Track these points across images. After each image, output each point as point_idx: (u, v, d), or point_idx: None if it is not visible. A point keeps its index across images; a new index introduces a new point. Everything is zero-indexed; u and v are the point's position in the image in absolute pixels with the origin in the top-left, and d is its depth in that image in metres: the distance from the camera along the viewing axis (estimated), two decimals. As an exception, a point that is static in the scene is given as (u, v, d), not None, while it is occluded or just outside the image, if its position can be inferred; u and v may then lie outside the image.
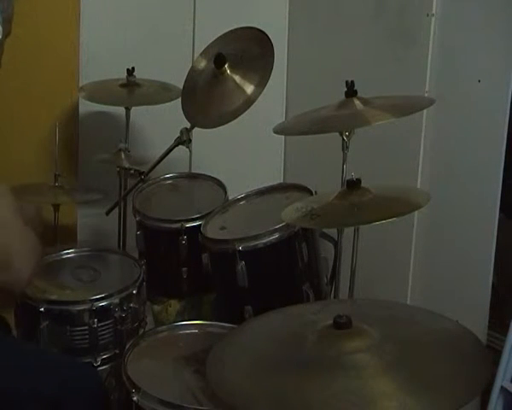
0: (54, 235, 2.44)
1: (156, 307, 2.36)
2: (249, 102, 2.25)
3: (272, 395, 1.22)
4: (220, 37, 2.34)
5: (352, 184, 1.75)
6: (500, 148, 2.14)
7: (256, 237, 1.97)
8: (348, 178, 1.78)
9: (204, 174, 2.51)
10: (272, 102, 2.81)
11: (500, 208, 2.17)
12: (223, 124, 2.30)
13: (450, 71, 2.29)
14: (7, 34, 1.73)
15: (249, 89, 2.26)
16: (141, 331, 2.04)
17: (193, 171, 2.59)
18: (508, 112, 2.11)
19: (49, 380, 1.64)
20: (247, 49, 2.28)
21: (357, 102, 1.87)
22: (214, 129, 2.34)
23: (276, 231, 1.96)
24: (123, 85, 2.57)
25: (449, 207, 2.31)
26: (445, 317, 1.41)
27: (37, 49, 2.63)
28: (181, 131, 2.32)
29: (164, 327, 1.96)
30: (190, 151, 2.42)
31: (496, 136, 2.14)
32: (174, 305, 2.36)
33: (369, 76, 2.29)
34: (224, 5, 2.86)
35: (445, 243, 2.35)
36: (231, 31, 2.33)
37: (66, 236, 2.67)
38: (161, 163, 2.37)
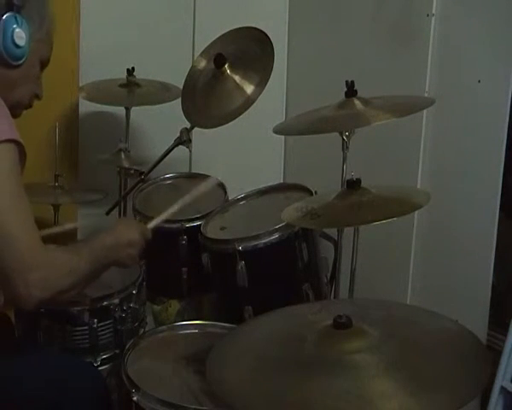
0: (54, 235, 2.43)
1: (156, 307, 2.36)
2: (249, 102, 2.25)
3: (272, 395, 1.22)
4: (220, 37, 2.35)
5: (352, 184, 1.75)
6: (500, 148, 2.14)
7: (256, 237, 1.97)
8: (348, 178, 1.78)
9: (204, 174, 2.51)
10: (272, 102, 2.81)
11: (500, 208, 2.17)
12: (223, 124, 2.30)
13: (450, 71, 2.29)
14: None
15: (249, 89, 2.26)
16: (141, 331, 2.05)
17: (193, 171, 2.59)
18: (508, 112, 2.11)
19: (50, 380, 1.64)
20: (247, 49, 2.28)
21: (357, 102, 1.87)
22: (214, 129, 2.34)
23: (276, 231, 1.96)
24: (123, 85, 2.57)
25: (449, 207, 2.31)
26: (445, 317, 1.41)
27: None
28: (181, 131, 2.32)
29: (164, 327, 1.96)
30: (190, 151, 2.43)
31: (496, 136, 2.14)
32: (174, 305, 2.37)
33: (369, 76, 2.29)
34: (223, 5, 2.86)
35: (445, 243, 2.35)
36: (231, 31, 2.33)
37: (67, 236, 2.66)
38: (161, 163, 2.37)
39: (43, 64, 1.74)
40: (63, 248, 1.70)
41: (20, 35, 1.60)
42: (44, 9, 1.69)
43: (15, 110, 1.68)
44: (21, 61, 1.63)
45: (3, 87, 1.62)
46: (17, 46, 1.60)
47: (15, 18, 1.59)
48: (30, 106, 1.76)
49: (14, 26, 1.59)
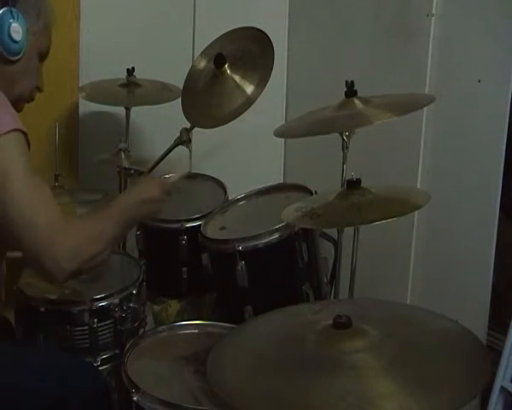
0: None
1: (156, 307, 2.36)
2: (249, 102, 2.25)
3: (272, 395, 1.22)
4: (220, 37, 2.34)
5: (352, 184, 1.75)
6: (500, 148, 2.14)
7: (256, 237, 1.97)
8: (348, 178, 1.78)
9: (204, 174, 2.51)
10: (272, 102, 2.81)
11: (500, 208, 2.17)
12: (223, 124, 2.29)
13: (450, 71, 2.29)
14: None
15: (249, 89, 2.26)
16: (141, 331, 2.04)
17: (193, 171, 2.59)
18: (508, 112, 2.11)
19: (51, 379, 1.64)
20: (247, 49, 2.28)
21: (357, 102, 1.87)
22: (214, 129, 2.34)
23: (276, 231, 1.96)
24: (123, 85, 2.57)
25: (449, 207, 2.31)
26: (445, 317, 1.41)
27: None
28: (181, 131, 2.32)
29: (164, 327, 1.96)
30: (190, 151, 2.42)
31: (496, 136, 2.14)
32: (174, 305, 2.36)
33: (369, 76, 2.29)
34: (223, 5, 2.86)
35: (445, 243, 2.35)
36: (231, 31, 2.32)
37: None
38: (161, 163, 2.37)
39: (43, 56, 1.74)
40: (86, 216, 1.79)
41: (16, 29, 1.59)
42: (40, 1, 1.68)
43: (17, 104, 1.68)
44: (19, 56, 1.63)
45: (4, 82, 1.63)
46: (14, 41, 1.59)
47: (11, 12, 1.58)
48: (32, 99, 1.77)
49: (11, 20, 1.58)
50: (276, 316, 1.52)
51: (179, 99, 2.38)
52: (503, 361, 2.00)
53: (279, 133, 2.04)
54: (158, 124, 2.80)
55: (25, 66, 1.67)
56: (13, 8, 1.59)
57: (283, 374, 1.26)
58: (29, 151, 1.59)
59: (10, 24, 1.58)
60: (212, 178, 2.45)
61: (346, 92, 1.89)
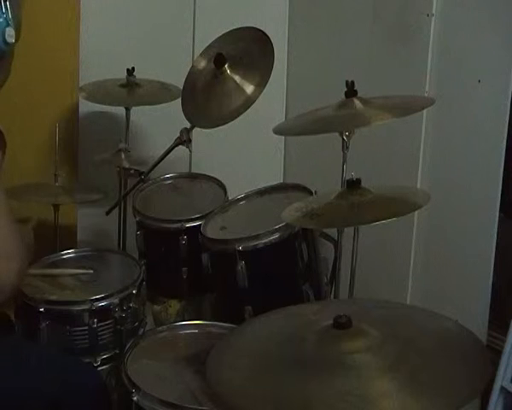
0: (54, 235, 2.43)
1: (156, 307, 2.36)
2: (249, 102, 2.25)
3: (272, 395, 1.22)
4: (220, 37, 2.34)
5: (352, 184, 1.75)
6: (500, 148, 2.14)
7: (256, 237, 1.97)
8: (348, 178, 1.78)
9: (204, 174, 2.51)
10: (272, 102, 2.81)
11: (500, 208, 2.17)
12: (223, 124, 2.29)
13: (450, 71, 2.29)
14: (16, 40, 1.72)
15: (249, 89, 2.26)
16: (141, 331, 2.05)
17: (193, 171, 2.59)
18: (508, 112, 2.11)
19: (50, 380, 1.64)
20: (247, 49, 2.28)
21: (357, 102, 1.87)
22: (214, 129, 2.34)
23: (276, 231, 1.96)
24: (123, 85, 2.57)
25: (449, 207, 2.31)
26: (445, 317, 1.41)
27: (38, 49, 2.63)
28: (181, 131, 2.32)
29: (164, 327, 1.96)
30: (190, 151, 2.42)
31: (496, 136, 2.14)
32: (174, 305, 2.36)
33: (369, 76, 2.29)
34: (223, 5, 2.86)
35: (445, 243, 2.35)
36: (231, 31, 2.32)
37: (66, 236, 2.67)
38: (161, 163, 2.37)
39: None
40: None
41: (10, 33, 1.59)
42: None
43: None
44: (7, 55, 1.62)
45: None
46: (7, 44, 1.59)
47: (2, 11, 1.57)
48: None
49: (1, 19, 1.57)
50: (276, 316, 1.52)
51: (179, 99, 2.38)
52: (503, 361, 2.00)
53: (278, 130, 2.04)
54: (158, 124, 2.80)
55: (6, 62, 1.66)
56: (5, 6, 1.57)
57: (283, 374, 1.26)
58: (4, 151, 1.56)
59: (5, 28, 1.57)
60: (212, 178, 2.45)
61: (346, 92, 1.89)
